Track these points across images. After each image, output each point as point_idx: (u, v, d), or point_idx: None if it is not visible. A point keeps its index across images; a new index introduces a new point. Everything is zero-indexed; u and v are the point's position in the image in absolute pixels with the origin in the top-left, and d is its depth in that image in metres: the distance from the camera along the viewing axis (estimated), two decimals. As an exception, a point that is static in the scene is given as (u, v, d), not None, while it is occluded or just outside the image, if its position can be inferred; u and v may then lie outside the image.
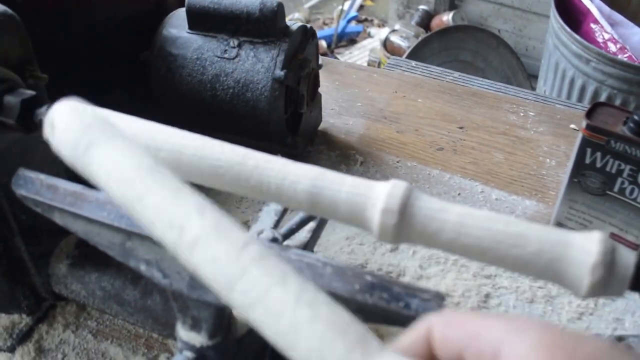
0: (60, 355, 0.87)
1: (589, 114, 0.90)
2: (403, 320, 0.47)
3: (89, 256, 0.83)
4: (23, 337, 0.89)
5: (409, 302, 0.47)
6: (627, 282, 0.43)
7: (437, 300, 0.47)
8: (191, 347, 0.61)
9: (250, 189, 0.54)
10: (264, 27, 1.00)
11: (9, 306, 0.88)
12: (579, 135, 0.90)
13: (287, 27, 1.03)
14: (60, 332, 0.90)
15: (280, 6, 0.99)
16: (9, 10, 0.71)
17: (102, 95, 0.76)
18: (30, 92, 0.69)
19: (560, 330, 0.33)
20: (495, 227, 0.47)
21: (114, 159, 0.44)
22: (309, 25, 1.08)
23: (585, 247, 0.44)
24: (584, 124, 0.89)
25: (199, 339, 0.61)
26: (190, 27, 1.06)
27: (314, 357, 0.34)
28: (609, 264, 0.43)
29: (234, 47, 1.02)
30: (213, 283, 0.39)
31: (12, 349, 0.88)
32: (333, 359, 0.33)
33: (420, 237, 0.49)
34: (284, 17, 1.02)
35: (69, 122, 0.46)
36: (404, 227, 0.48)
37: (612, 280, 0.44)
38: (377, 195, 0.49)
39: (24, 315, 0.90)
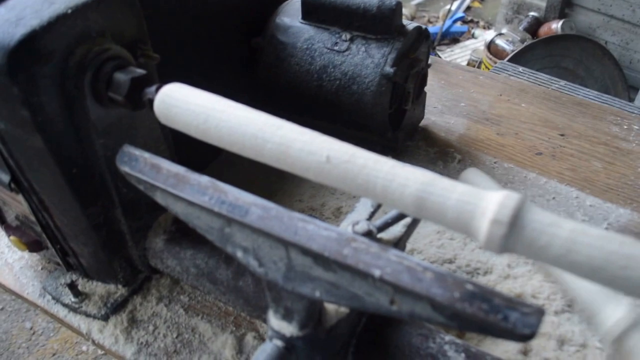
0: (152, 327, 0.87)
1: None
2: (500, 332, 0.45)
3: (185, 233, 0.83)
4: (117, 307, 0.90)
5: (507, 315, 0.44)
6: None
7: (538, 315, 0.44)
8: (281, 337, 0.60)
9: (356, 187, 0.52)
10: (380, 24, 0.98)
11: (106, 276, 0.88)
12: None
13: (403, 26, 1.01)
14: (153, 305, 0.90)
15: (398, 5, 0.97)
16: (126, -12, 0.70)
17: (210, 77, 0.76)
18: (140, 71, 0.67)
19: None
20: (608, 246, 0.44)
21: None
22: (424, 27, 1.05)
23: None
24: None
25: (289, 329, 0.60)
26: (303, 17, 1.04)
27: None
28: None
29: (345, 41, 1.00)
30: None
31: (105, 318, 0.88)
32: None
33: (527, 250, 0.46)
34: (401, 16, 1.00)
35: None
36: (512, 238, 0.46)
37: None
38: (488, 205, 0.46)
39: (119, 286, 0.91)
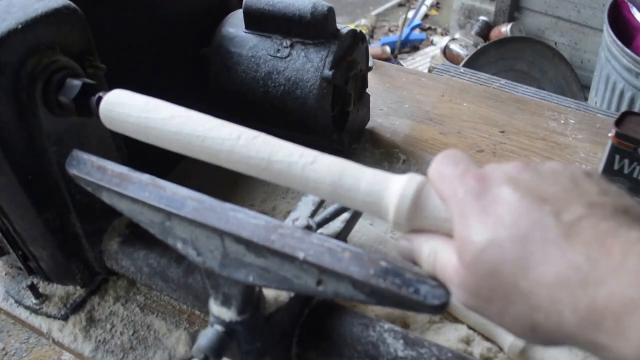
0: (109, 325, 0.90)
1: (618, 122, 0.89)
2: (413, 305, 0.48)
3: (139, 235, 0.86)
4: (76, 307, 0.92)
5: (418, 288, 0.48)
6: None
7: (445, 287, 0.48)
8: (221, 322, 0.63)
9: (278, 178, 0.55)
10: (315, 30, 1.02)
11: (64, 278, 0.91)
12: (609, 142, 0.90)
13: (338, 30, 1.05)
14: (110, 305, 0.93)
15: (330, 10, 1.01)
16: (72, 4, 0.74)
17: (162, 86, 0.79)
18: (87, 80, 0.71)
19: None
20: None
21: None
22: (358, 29, 1.09)
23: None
24: (613, 131, 0.88)
25: (228, 314, 0.63)
26: (246, 27, 1.08)
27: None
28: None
29: (286, 47, 1.03)
30: None
31: (65, 317, 0.91)
32: None
33: (431, 226, 0.49)
34: (334, 20, 1.03)
35: None
36: (416, 216, 0.49)
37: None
38: (394, 187, 0.50)
39: (78, 287, 0.94)
